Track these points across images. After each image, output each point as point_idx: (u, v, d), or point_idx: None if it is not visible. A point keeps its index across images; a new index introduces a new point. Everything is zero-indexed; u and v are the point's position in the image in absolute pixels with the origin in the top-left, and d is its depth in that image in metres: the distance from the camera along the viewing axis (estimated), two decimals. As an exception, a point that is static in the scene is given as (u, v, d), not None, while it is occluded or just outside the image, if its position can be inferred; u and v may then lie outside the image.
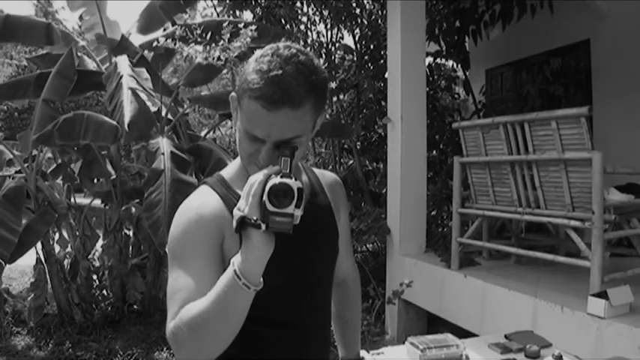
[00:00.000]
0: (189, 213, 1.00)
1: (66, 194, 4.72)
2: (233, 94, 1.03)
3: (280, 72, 0.91)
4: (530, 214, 3.02)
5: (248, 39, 3.71)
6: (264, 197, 0.84)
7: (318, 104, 0.97)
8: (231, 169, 1.11)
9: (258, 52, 0.97)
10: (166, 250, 1.03)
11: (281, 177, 0.85)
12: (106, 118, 3.91)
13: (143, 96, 3.92)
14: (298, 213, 0.85)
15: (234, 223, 0.87)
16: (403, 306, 3.93)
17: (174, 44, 3.90)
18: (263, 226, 0.85)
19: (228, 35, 3.70)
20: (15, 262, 3.99)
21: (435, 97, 5.59)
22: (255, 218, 0.85)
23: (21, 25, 4.44)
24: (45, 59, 4.92)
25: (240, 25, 3.85)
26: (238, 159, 1.11)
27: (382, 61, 5.19)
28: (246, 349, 1.00)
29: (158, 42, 4.04)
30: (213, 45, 3.79)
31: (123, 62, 4.14)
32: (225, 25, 3.75)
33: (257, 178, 0.87)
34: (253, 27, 3.78)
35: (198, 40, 3.87)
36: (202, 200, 1.02)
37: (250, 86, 0.92)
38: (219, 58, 3.72)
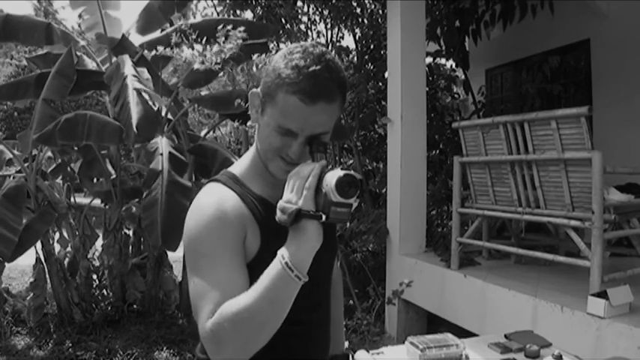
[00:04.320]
0: (209, 210, 0.99)
1: (66, 194, 4.73)
2: (255, 90, 1.04)
3: (318, 68, 0.94)
4: (530, 214, 3.02)
5: (239, 40, 3.73)
6: (331, 189, 0.86)
7: (344, 101, 1.01)
8: (241, 167, 1.11)
9: (284, 50, 1.00)
10: (186, 248, 1.01)
11: (342, 169, 0.88)
12: (109, 119, 3.91)
13: (147, 97, 3.93)
14: (355, 203, 0.88)
15: (287, 217, 0.88)
16: (403, 306, 3.93)
17: (172, 50, 3.90)
18: (323, 217, 0.88)
19: (224, 39, 3.71)
20: (15, 262, 4.00)
21: (434, 97, 5.59)
22: (313, 210, 0.87)
23: (21, 25, 4.45)
24: (45, 59, 4.92)
25: (230, 27, 3.84)
26: (247, 156, 1.11)
27: (382, 60, 5.20)
28: None
29: (157, 50, 4.04)
30: (208, 48, 3.80)
31: (126, 62, 4.14)
32: (219, 27, 3.75)
33: (309, 171, 0.90)
34: (242, 27, 3.78)
35: (193, 46, 3.87)
36: (220, 197, 1.02)
37: (287, 81, 0.94)
38: (216, 62, 3.73)
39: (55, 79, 4.15)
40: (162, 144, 4.01)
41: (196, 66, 3.84)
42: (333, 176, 0.87)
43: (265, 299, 0.88)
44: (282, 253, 0.90)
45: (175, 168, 3.87)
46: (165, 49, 3.94)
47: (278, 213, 0.91)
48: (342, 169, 0.89)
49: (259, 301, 0.88)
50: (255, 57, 3.89)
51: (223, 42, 3.71)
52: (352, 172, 0.87)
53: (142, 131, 3.68)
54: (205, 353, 1.05)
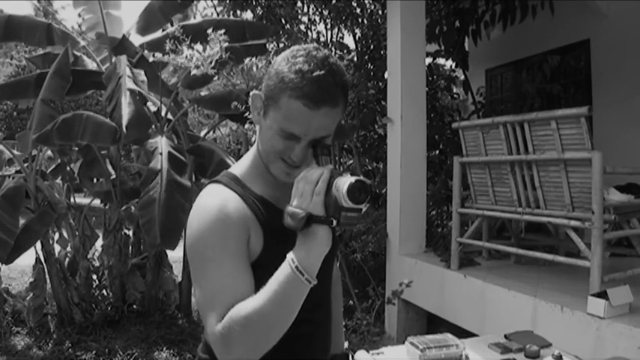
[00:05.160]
0: (213, 212, 0.99)
1: (66, 194, 4.72)
2: (256, 92, 1.03)
3: (322, 72, 0.93)
4: (530, 214, 3.02)
5: (225, 43, 3.73)
6: (343, 194, 0.86)
7: (346, 104, 1.01)
8: (242, 168, 1.10)
9: (286, 53, 0.99)
10: (190, 251, 1.01)
11: (351, 175, 0.88)
12: (105, 119, 3.91)
13: (141, 97, 3.93)
14: (365, 208, 0.88)
15: (297, 222, 0.88)
16: (403, 306, 3.93)
17: (168, 56, 3.90)
18: (334, 222, 0.88)
19: (218, 43, 3.71)
20: (15, 262, 3.99)
21: (434, 97, 5.59)
22: (323, 215, 0.88)
23: (23, 26, 4.47)
24: (45, 59, 4.92)
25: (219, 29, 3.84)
26: (248, 156, 1.11)
27: (382, 60, 5.20)
28: None
29: (154, 56, 4.04)
30: (200, 52, 3.80)
31: (122, 62, 4.15)
32: (209, 31, 3.75)
33: (318, 176, 0.90)
34: (222, 30, 3.78)
35: (190, 47, 3.86)
36: (223, 198, 1.01)
37: (290, 85, 0.94)
38: (212, 67, 3.73)
39: (52, 80, 4.15)
40: (161, 143, 4.01)
41: (193, 72, 3.84)
42: (344, 182, 0.87)
43: (275, 302, 0.89)
44: (292, 257, 0.90)
45: (175, 167, 3.87)
46: (163, 55, 3.93)
47: (287, 218, 0.90)
48: (351, 174, 0.89)
49: (269, 304, 0.89)
50: (247, 60, 3.89)
51: (210, 45, 3.72)
52: (362, 177, 0.87)
53: (132, 131, 3.69)
54: (207, 353, 1.06)
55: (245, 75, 4.24)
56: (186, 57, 3.82)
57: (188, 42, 3.82)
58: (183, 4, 5.01)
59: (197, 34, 4.00)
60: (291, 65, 0.95)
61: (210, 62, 3.72)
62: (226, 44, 3.75)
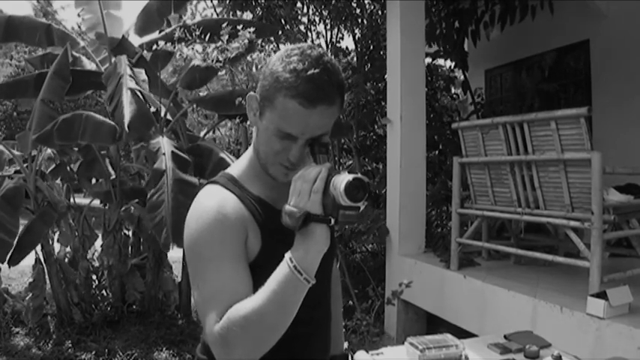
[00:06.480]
0: (211, 213, 0.98)
1: (65, 194, 4.72)
2: (252, 93, 1.03)
3: (317, 71, 0.93)
4: (530, 215, 3.02)
5: (246, 40, 3.70)
6: (341, 193, 0.86)
7: (342, 103, 1.01)
8: (239, 168, 1.10)
9: (281, 52, 0.98)
10: (189, 252, 1.01)
11: (349, 173, 0.88)
12: (105, 119, 3.91)
13: (142, 97, 3.93)
14: (363, 206, 0.88)
15: (295, 221, 0.88)
16: (402, 306, 3.93)
17: (174, 47, 3.88)
18: (332, 221, 0.88)
19: (227, 36, 3.68)
20: (14, 263, 3.99)
21: (434, 98, 5.59)
22: (321, 214, 0.88)
23: (23, 26, 4.49)
24: (44, 60, 4.93)
25: (239, 27, 3.83)
26: (245, 157, 1.11)
27: (382, 61, 5.20)
28: None
29: (157, 45, 4.03)
30: (211, 46, 3.77)
31: (123, 62, 4.15)
32: (224, 25, 3.73)
33: (316, 174, 0.90)
34: (252, 28, 3.76)
35: (197, 41, 3.85)
36: (221, 199, 1.01)
37: (285, 85, 0.93)
38: (217, 60, 3.70)
39: (52, 80, 4.15)
40: (163, 144, 4.01)
41: (197, 62, 3.82)
42: (341, 180, 0.86)
43: (274, 302, 0.88)
44: (290, 256, 0.90)
45: (179, 167, 3.87)
46: (166, 43, 3.90)
47: (285, 217, 0.90)
48: (349, 172, 0.88)
49: (268, 304, 0.88)
50: (255, 54, 3.87)
51: (227, 41, 3.68)
52: (360, 175, 0.87)
53: (135, 130, 3.68)
54: (206, 354, 1.05)
55: (246, 74, 4.24)
56: (200, 50, 3.79)
57: (199, 32, 3.79)
58: (180, 4, 5.01)
59: (202, 29, 3.99)
60: (286, 64, 0.94)
61: (221, 56, 3.68)
62: (246, 41, 3.72)
